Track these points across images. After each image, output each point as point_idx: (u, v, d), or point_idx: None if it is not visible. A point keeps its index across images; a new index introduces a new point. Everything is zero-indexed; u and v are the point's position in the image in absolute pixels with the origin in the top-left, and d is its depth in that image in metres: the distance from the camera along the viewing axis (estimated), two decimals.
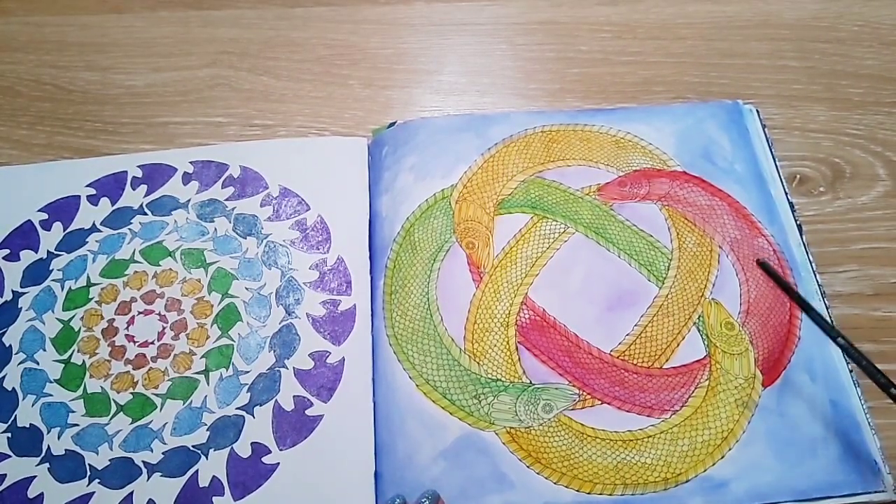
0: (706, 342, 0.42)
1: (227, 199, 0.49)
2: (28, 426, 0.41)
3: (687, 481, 0.37)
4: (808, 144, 0.52)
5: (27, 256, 0.47)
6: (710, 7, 0.61)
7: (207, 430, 0.41)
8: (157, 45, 0.61)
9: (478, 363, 0.42)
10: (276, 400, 0.41)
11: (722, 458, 0.38)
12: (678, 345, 0.42)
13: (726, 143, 0.49)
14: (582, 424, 0.39)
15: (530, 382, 0.41)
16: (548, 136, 0.50)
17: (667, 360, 0.41)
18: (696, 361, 0.41)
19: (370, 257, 0.46)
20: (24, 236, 0.48)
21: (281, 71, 0.58)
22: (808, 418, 0.39)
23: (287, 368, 0.42)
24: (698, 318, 0.42)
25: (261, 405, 0.41)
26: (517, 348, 0.42)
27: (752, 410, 0.39)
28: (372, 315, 0.44)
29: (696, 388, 0.40)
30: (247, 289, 0.45)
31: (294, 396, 0.41)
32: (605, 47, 0.59)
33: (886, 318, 0.45)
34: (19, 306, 0.45)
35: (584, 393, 0.40)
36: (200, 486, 0.39)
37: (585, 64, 0.58)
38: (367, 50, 0.59)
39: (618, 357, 0.41)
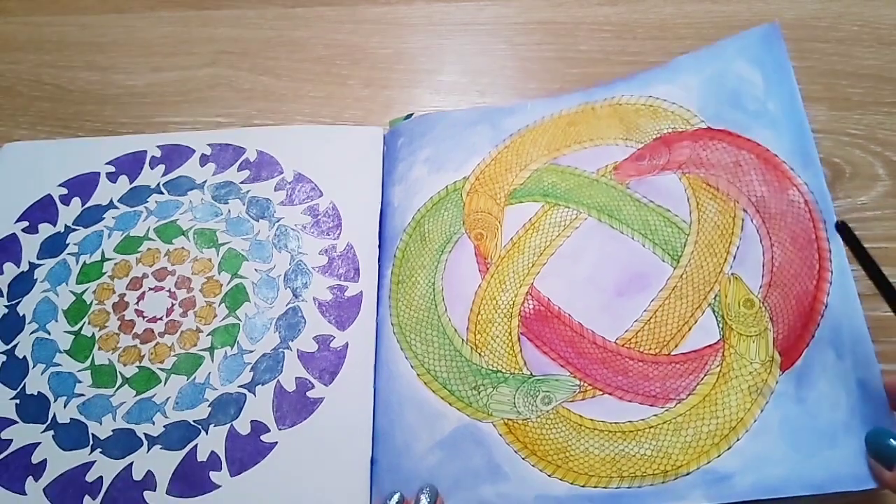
0: (721, 324, 0.39)
1: (242, 182, 0.50)
2: (36, 394, 0.42)
3: (688, 474, 0.35)
4: None
5: (45, 230, 0.49)
6: (710, 7, 0.60)
7: (209, 406, 0.41)
8: (157, 45, 0.62)
9: (479, 354, 0.41)
10: (279, 380, 0.42)
11: (728, 449, 0.35)
12: (690, 329, 0.39)
13: (758, 80, 0.46)
14: (580, 416, 0.38)
15: (530, 374, 0.40)
16: (566, 120, 0.49)
17: (676, 346, 0.39)
18: (708, 346, 0.39)
19: (379, 246, 0.46)
20: (43, 209, 0.50)
21: (281, 71, 0.59)
22: (830, 403, 0.36)
23: (291, 350, 0.43)
24: (714, 298, 0.40)
25: (263, 384, 0.42)
26: (519, 339, 0.41)
27: (766, 397, 0.36)
28: (378, 303, 0.44)
29: (705, 375, 0.38)
30: (256, 270, 0.46)
31: (296, 378, 0.42)
32: (605, 47, 0.58)
33: (886, 318, 0.42)
34: (35, 277, 0.47)
35: (585, 384, 0.39)
36: (199, 460, 0.39)
37: (585, 64, 0.57)
38: (367, 50, 0.60)
39: (624, 345, 0.40)
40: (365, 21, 0.62)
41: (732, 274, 0.41)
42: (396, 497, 0.37)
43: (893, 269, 0.44)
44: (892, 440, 0.33)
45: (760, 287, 0.40)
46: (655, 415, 0.37)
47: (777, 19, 0.58)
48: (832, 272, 0.39)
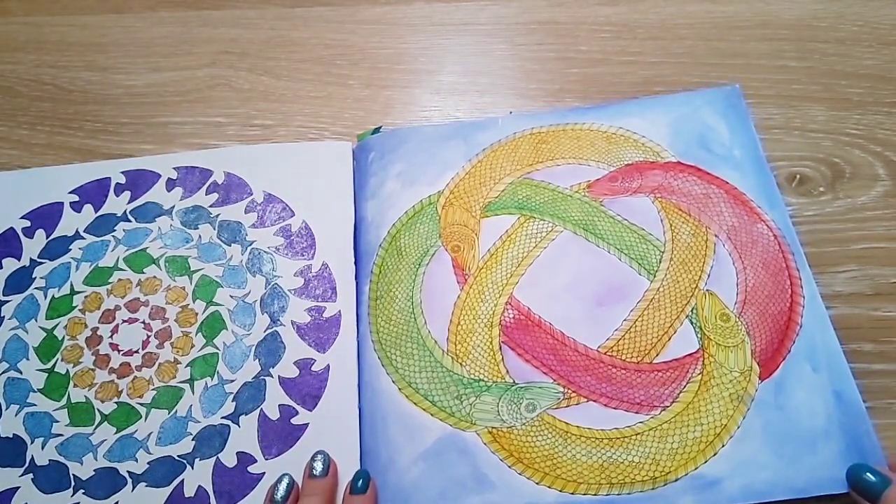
0: (699, 335, 0.40)
1: (211, 206, 0.49)
2: (11, 436, 0.41)
3: (676, 480, 0.35)
4: (808, 144, 0.51)
5: (9, 264, 0.47)
6: (710, 7, 0.61)
7: (193, 439, 0.40)
8: (157, 45, 0.61)
9: (460, 364, 0.41)
10: (262, 409, 0.41)
11: (714, 455, 0.36)
12: (669, 339, 0.40)
13: (724, 129, 0.48)
14: (566, 423, 0.38)
15: (514, 382, 0.40)
16: (537, 138, 0.49)
17: (657, 355, 0.40)
18: (689, 355, 0.40)
19: (355, 263, 0.46)
20: (6, 244, 0.48)
21: (281, 71, 0.59)
22: (808, 411, 0.37)
23: (272, 377, 0.42)
24: (691, 311, 0.41)
25: (246, 414, 0.41)
26: (500, 348, 0.41)
27: (747, 405, 0.37)
28: (357, 321, 0.43)
29: (687, 383, 0.39)
30: (231, 296, 0.45)
31: (279, 405, 0.41)
32: (605, 47, 0.58)
33: (886, 318, 0.44)
34: (2, 315, 0.45)
35: (570, 391, 0.39)
36: (186, 495, 0.39)
37: (585, 64, 0.57)
38: (367, 50, 0.60)
39: (606, 353, 0.40)
40: (365, 21, 0.62)
41: (707, 290, 0.42)
42: (286, 480, 0.37)
43: (893, 270, 0.45)
44: (868, 474, 0.34)
45: (735, 304, 0.41)
46: (641, 422, 0.37)
47: (775, 19, 0.59)
48: (804, 297, 0.41)
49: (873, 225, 0.47)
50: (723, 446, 0.36)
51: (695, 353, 0.40)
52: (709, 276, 0.42)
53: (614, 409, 0.38)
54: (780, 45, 0.57)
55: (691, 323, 0.41)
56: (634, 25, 0.60)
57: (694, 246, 0.43)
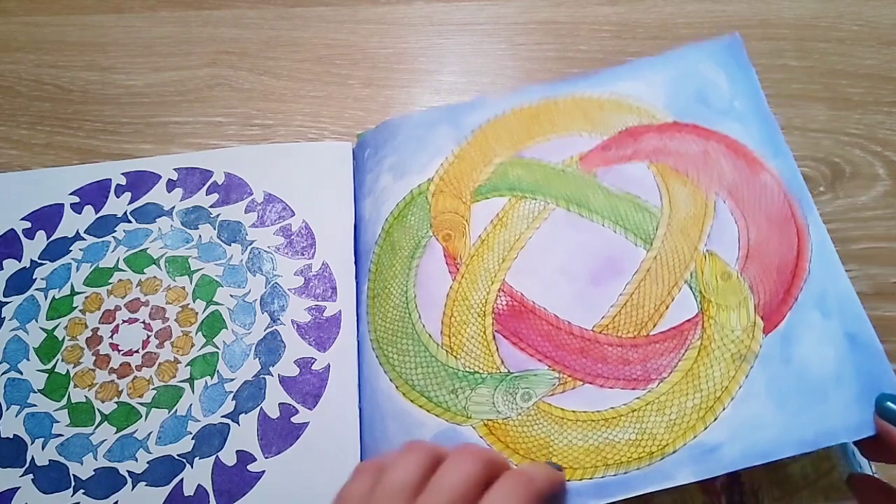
0: (699, 299, 0.38)
1: (211, 206, 0.49)
2: (12, 437, 0.41)
3: (674, 452, 0.34)
4: (807, 144, 0.51)
5: (10, 265, 0.48)
6: (710, 7, 0.61)
7: (192, 438, 0.40)
8: (157, 45, 0.62)
9: (455, 357, 0.40)
10: (262, 407, 0.41)
11: (714, 419, 0.34)
12: (667, 307, 0.38)
13: (723, 81, 0.45)
14: (562, 409, 0.37)
15: (508, 372, 0.38)
16: (526, 113, 0.48)
17: (654, 326, 0.38)
18: (687, 321, 0.37)
19: (355, 262, 0.46)
20: (6, 245, 0.49)
21: (281, 71, 0.59)
22: (817, 359, 0.34)
23: (272, 376, 0.42)
24: (690, 276, 0.39)
25: (246, 413, 0.41)
26: (494, 337, 0.40)
27: (750, 363, 0.35)
28: (357, 320, 0.43)
29: (686, 350, 0.37)
30: (231, 296, 0.45)
31: (279, 404, 0.41)
32: (604, 47, 0.59)
33: (887, 318, 0.43)
34: (2, 316, 0.46)
35: (565, 375, 0.38)
36: (186, 494, 0.39)
37: (585, 64, 0.58)
38: (367, 50, 0.60)
39: (601, 331, 0.38)
40: (365, 21, 0.63)
41: (708, 251, 0.40)
42: None
43: (893, 269, 0.45)
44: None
45: (737, 259, 0.39)
46: (638, 398, 0.36)
47: (775, 19, 0.59)
48: (812, 242, 0.38)
49: (874, 224, 0.47)
50: (723, 409, 0.34)
51: (693, 317, 0.37)
52: (709, 236, 0.40)
53: (610, 388, 0.36)
54: (780, 44, 0.57)
55: (690, 288, 0.39)
56: (634, 25, 0.60)
57: (693, 207, 0.41)
